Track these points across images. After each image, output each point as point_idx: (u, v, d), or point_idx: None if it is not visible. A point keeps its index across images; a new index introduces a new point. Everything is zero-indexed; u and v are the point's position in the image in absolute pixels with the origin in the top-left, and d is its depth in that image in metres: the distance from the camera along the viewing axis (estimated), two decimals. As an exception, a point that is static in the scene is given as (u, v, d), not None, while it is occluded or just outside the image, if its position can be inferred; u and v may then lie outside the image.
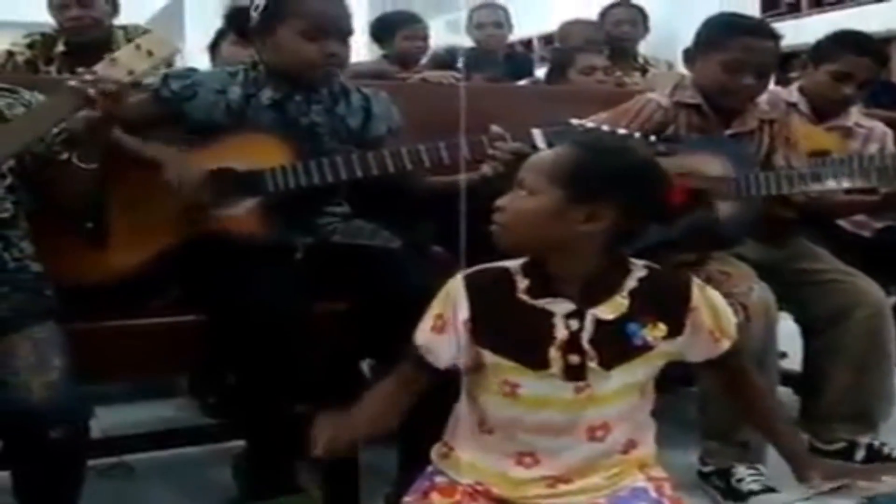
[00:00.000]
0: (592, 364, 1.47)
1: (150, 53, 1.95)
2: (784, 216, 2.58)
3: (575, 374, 1.48)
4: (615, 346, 1.49)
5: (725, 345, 1.57)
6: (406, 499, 1.58)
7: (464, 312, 1.50)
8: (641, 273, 1.53)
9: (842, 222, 2.93)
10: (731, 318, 1.58)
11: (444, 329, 1.52)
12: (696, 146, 2.44)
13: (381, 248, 2.31)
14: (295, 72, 2.27)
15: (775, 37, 2.46)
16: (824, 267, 2.58)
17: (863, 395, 2.52)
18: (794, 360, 2.96)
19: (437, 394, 1.58)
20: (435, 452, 1.60)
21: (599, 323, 1.48)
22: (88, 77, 1.88)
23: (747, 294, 2.27)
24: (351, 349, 2.19)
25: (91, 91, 1.85)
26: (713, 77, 2.46)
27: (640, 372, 1.53)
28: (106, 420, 1.74)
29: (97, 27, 3.51)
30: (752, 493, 2.27)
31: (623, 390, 1.52)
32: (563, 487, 1.52)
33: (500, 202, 1.50)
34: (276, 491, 2.10)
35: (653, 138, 2.21)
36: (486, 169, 2.15)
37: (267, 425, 2.12)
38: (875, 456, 2.48)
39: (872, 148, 2.96)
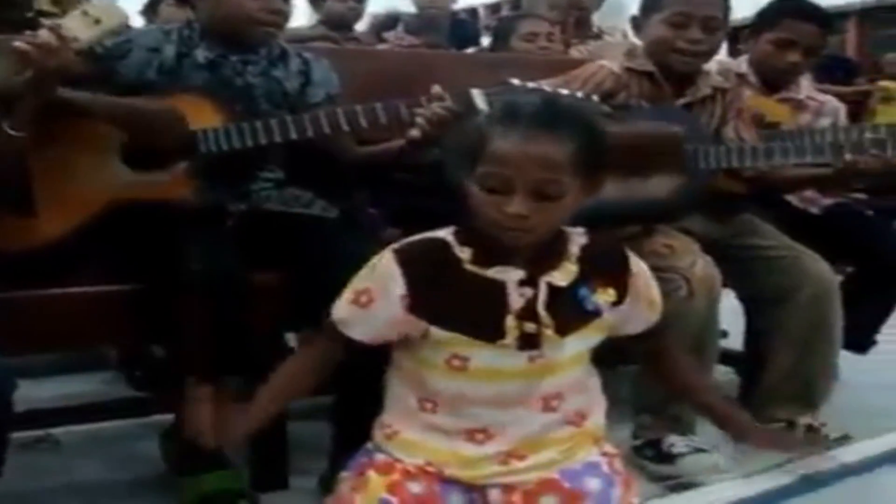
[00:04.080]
0: (548, 332, 1.44)
1: (97, 21, 1.89)
2: (732, 190, 2.54)
3: (529, 343, 1.44)
4: (569, 312, 1.45)
5: (655, 317, 1.57)
6: (342, 475, 1.53)
7: (399, 288, 1.43)
8: (582, 240, 1.50)
9: (790, 198, 2.89)
10: (657, 290, 1.57)
11: (368, 304, 1.46)
12: (647, 115, 2.41)
13: (318, 217, 2.26)
14: (234, 29, 2.22)
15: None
16: (771, 243, 2.54)
17: (804, 376, 2.49)
18: (735, 341, 2.96)
19: (370, 369, 1.54)
20: (377, 433, 1.54)
21: (553, 290, 1.45)
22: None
23: (690, 268, 2.24)
24: (283, 320, 2.13)
25: (27, 48, 1.80)
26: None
27: (591, 339, 1.50)
28: (32, 393, 1.67)
29: None
30: (681, 454, 2.26)
31: (575, 357, 1.49)
32: (516, 464, 1.47)
33: (516, 209, 1.37)
34: (204, 466, 2.04)
35: (598, 100, 2.17)
36: (414, 132, 2.09)
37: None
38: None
39: (824, 122, 2.90)
